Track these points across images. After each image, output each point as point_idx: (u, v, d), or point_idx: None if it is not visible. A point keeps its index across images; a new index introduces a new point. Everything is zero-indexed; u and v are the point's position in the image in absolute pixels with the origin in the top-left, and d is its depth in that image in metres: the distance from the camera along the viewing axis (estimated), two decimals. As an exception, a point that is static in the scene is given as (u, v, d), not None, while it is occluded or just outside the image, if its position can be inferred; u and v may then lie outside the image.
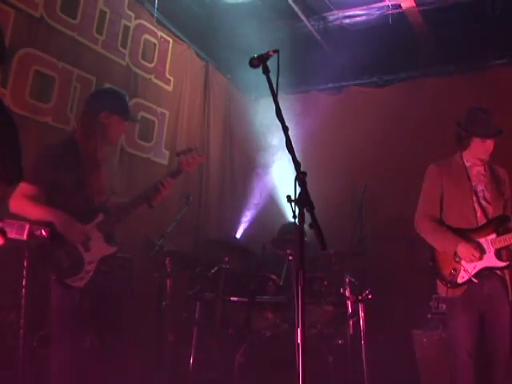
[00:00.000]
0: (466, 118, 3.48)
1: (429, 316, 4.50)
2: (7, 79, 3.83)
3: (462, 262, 3.31)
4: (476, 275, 3.28)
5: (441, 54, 6.08)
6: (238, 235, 6.23)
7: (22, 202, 2.82)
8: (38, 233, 2.02)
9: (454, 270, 3.32)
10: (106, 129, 3.02)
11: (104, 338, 3.02)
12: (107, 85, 4.64)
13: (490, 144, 3.41)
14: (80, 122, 3.12)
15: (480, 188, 3.43)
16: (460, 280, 3.31)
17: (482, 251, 3.29)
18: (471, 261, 3.27)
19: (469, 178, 3.43)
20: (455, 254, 3.31)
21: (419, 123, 5.86)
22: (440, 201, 3.47)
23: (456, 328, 3.33)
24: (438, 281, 3.45)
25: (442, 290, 3.42)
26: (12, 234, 2.11)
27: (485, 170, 3.48)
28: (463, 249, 3.28)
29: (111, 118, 3.03)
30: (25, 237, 2.02)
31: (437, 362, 4.21)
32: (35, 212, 2.84)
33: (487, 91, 5.55)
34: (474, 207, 3.38)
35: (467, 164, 3.47)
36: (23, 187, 2.81)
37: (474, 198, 3.39)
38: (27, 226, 2.01)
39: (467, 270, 3.29)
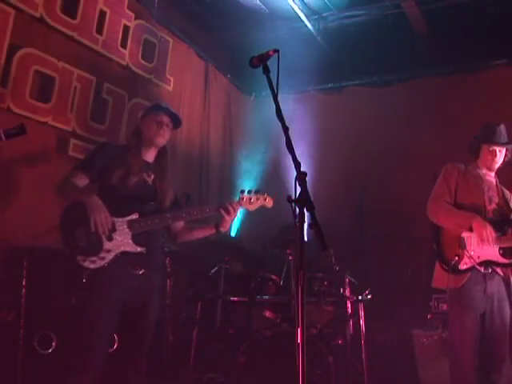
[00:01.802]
0: (479, 131, 3.65)
1: (429, 316, 4.50)
2: (7, 79, 3.83)
3: (466, 250, 3.34)
4: (480, 264, 3.31)
5: (441, 54, 6.08)
6: (233, 233, 6.27)
7: (67, 186, 3.00)
8: (12, 131, 2.14)
9: (458, 255, 3.35)
10: (141, 131, 3.20)
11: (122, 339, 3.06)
12: (107, 85, 4.65)
13: (496, 153, 3.56)
14: None
15: (491, 193, 3.56)
16: (462, 266, 3.34)
17: (494, 234, 3.34)
18: (483, 238, 3.29)
19: (482, 181, 3.58)
20: (470, 227, 3.35)
21: (419, 123, 5.86)
22: (454, 192, 3.56)
23: (457, 326, 3.34)
24: (436, 274, 3.47)
25: (441, 282, 3.43)
26: None
27: (496, 184, 3.64)
28: (479, 224, 3.33)
29: (144, 119, 3.23)
30: (3, 138, 2.16)
31: (436, 361, 4.22)
32: (74, 194, 2.98)
33: (487, 91, 5.55)
34: (485, 204, 3.48)
35: (482, 171, 3.62)
36: (73, 173, 3.03)
37: (486, 197, 3.51)
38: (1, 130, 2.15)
39: (472, 257, 3.32)
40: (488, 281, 3.33)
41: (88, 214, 2.86)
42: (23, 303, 3.32)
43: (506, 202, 3.57)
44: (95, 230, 2.86)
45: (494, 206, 3.50)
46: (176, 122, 3.30)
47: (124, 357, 3.00)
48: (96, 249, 2.88)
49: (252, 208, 3.19)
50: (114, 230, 2.92)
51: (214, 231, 3.24)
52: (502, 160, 3.60)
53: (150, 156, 3.21)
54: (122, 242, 2.94)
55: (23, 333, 3.29)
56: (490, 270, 3.34)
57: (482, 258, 3.33)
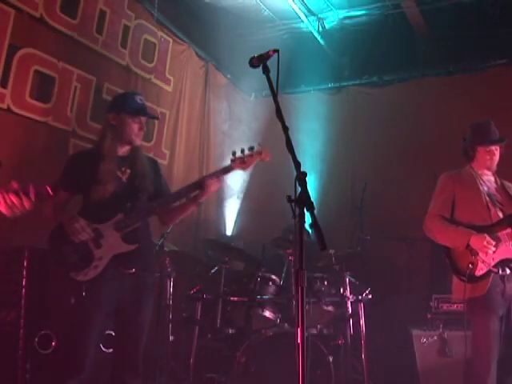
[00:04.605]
0: (469, 132, 3.58)
1: (429, 316, 4.50)
2: (7, 79, 3.83)
3: (480, 255, 3.24)
4: (495, 266, 3.23)
5: (441, 53, 6.08)
6: (229, 232, 6.31)
7: (50, 207, 3.04)
8: (43, 191, 2.08)
9: (472, 263, 3.26)
10: (117, 129, 3.07)
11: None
12: (107, 85, 4.65)
13: (494, 152, 3.50)
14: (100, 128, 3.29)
15: (492, 192, 3.48)
16: (478, 273, 3.25)
17: (498, 240, 3.25)
18: (487, 250, 3.21)
19: (480, 183, 3.49)
20: (467, 246, 3.26)
21: (419, 123, 5.86)
22: (451, 204, 3.48)
23: (483, 331, 3.23)
24: (454, 286, 3.39)
25: (459, 293, 3.32)
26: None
27: (495, 181, 3.57)
28: (476, 240, 3.24)
29: (119, 118, 3.08)
30: (33, 198, 2.10)
31: (436, 361, 4.22)
32: (52, 215, 3.04)
33: (487, 91, 5.55)
34: (488, 206, 3.40)
35: (478, 172, 3.54)
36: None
37: (487, 198, 3.43)
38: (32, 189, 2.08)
39: (485, 261, 3.23)
40: (507, 283, 3.26)
41: (67, 230, 2.90)
42: (23, 303, 3.32)
43: (509, 196, 3.49)
44: (79, 241, 2.88)
45: (498, 204, 3.42)
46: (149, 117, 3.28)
47: (120, 357, 2.99)
48: (88, 260, 2.88)
49: (247, 168, 3.11)
50: (101, 236, 2.91)
51: (196, 207, 3.21)
52: (498, 157, 3.53)
53: (124, 151, 3.13)
54: (113, 245, 2.92)
55: (23, 333, 3.29)
56: (508, 272, 3.26)
57: (497, 259, 3.25)
